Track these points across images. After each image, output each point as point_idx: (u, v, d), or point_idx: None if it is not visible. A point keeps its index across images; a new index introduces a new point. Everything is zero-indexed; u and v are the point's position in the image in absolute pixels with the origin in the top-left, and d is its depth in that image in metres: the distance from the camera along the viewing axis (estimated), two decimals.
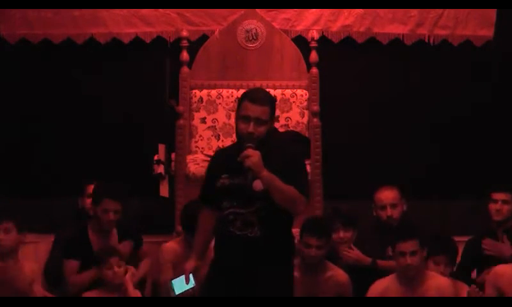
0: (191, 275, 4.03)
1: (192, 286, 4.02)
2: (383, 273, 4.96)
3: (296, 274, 4.81)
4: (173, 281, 4.04)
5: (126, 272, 4.95)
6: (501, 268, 4.88)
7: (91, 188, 5.46)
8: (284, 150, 4.05)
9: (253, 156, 3.81)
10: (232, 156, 3.96)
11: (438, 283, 4.77)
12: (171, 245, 5.19)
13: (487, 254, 5.23)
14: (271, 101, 4.02)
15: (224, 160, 4.08)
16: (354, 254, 5.20)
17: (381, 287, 4.81)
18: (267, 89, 5.91)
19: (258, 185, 3.87)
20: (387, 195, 5.36)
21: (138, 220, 5.73)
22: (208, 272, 4.10)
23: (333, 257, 5.13)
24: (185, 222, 5.06)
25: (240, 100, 4.01)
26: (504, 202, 5.35)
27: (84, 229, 5.23)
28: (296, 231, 5.00)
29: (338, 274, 4.98)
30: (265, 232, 3.91)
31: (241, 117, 3.94)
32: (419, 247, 4.71)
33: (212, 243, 4.33)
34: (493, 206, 5.37)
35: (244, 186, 3.91)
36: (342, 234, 5.23)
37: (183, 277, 4.03)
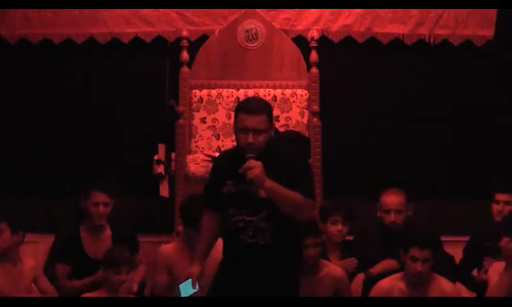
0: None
1: (196, 290, 4.01)
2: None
3: None
4: (180, 286, 4.02)
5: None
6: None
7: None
8: (286, 154, 4.00)
9: (255, 167, 3.78)
10: (234, 161, 3.93)
11: (442, 286, 4.80)
12: (167, 248, 5.14)
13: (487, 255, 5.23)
14: (267, 108, 3.98)
15: (227, 164, 4.04)
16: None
17: (386, 286, 4.84)
18: (267, 89, 5.99)
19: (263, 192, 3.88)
20: (393, 200, 5.32)
21: (134, 224, 5.68)
22: (216, 277, 4.09)
23: (323, 253, 5.13)
24: (186, 216, 5.00)
25: (236, 112, 3.97)
26: (506, 203, 5.35)
27: (76, 232, 5.24)
28: None
29: (333, 269, 4.98)
30: (276, 239, 3.90)
31: (239, 129, 3.92)
32: (431, 255, 4.74)
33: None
34: (495, 207, 5.37)
35: (250, 193, 3.89)
36: (340, 227, 5.20)
37: (189, 281, 4.01)
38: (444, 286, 4.80)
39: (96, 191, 5.19)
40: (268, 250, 3.91)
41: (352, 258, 5.17)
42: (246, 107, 3.94)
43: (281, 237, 3.92)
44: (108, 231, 5.28)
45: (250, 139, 3.86)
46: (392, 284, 4.82)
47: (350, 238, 5.47)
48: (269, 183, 3.80)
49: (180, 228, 5.32)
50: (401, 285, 4.80)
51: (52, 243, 5.46)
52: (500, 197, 5.37)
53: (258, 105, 3.98)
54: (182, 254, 4.94)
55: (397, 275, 4.85)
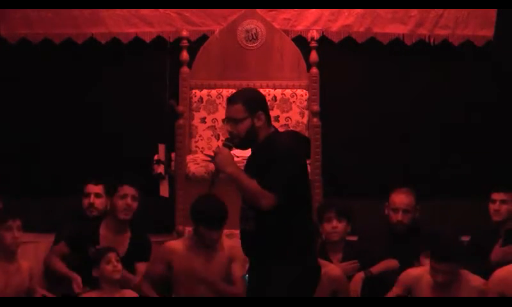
0: None
1: None
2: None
3: None
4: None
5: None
6: (501, 272, 4.88)
7: (88, 187, 5.47)
8: (274, 147, 3.91)
9: (219, 153, 3.89)
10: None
11: (471, 283, 4.81)
12: (173, 244, 5.14)
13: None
14: (245, 97, 3.93)
15: None
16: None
17: (415, 274, 4.88)
18: (267, 89, 5.98)
19: None
20: (402, 199, 5.34)
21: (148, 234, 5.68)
22: None
23: (324, 254, 5.12)
24: (196, 215, 5.00)
25: None
26: (503, 202, 5.36)
27: (95, 226, 5.22)
28: None
29: (330, 269, 4.95)
30: (260, 226, 3.89)
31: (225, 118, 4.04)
32: (453, 267, 4.74)
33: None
34: (492, 207, 5.38)
35: None
36: (335, 223, 5.17)
37: None
38: (474, 282, 4.82)
39: (126, 185, 5.19)
40: (253, 236, 3.94)
41: (355, 261, 5.15)
42: (227, 98, 4.06)
43: (267, 224, 3.87)
44: (128, 233, 5.26)
45: (228, 127, 3.96)
46: (421, 274, 4.84)
47: (353, 238, 5.48)
48: (231, 169, 3.85)
49: (181, 227, 5.32)
50: (430, 279, 4.79)
51: (53, 242, 5.45)
52: (497, 196, 5.38)
53: (235, 94, 4.04)
54: (192, 252, 4.98)
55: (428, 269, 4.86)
